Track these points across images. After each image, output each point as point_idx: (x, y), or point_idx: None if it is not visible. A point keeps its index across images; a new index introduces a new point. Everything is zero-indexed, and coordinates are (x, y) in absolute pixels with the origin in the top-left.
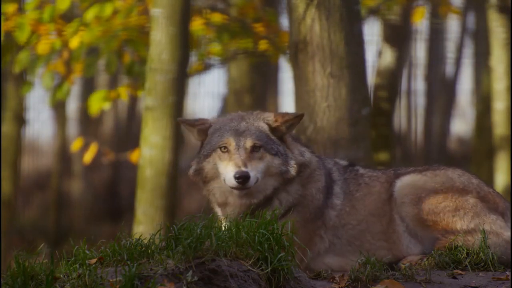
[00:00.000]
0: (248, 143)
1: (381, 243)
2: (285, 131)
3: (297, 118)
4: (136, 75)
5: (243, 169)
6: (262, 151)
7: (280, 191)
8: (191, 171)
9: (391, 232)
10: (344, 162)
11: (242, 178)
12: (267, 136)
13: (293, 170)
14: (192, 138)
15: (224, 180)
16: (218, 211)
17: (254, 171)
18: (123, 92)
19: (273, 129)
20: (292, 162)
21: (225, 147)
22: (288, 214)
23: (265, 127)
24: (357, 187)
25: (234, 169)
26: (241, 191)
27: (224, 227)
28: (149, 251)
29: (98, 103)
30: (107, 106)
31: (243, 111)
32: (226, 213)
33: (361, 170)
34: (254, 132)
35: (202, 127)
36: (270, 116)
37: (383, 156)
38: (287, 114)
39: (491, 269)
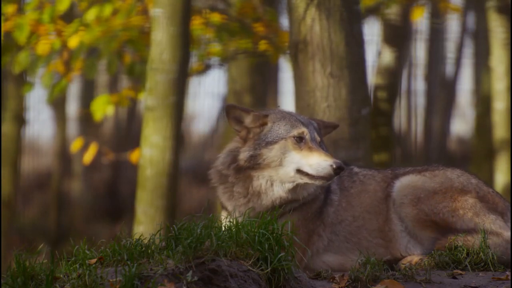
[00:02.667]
0: (318, 137)
1: (378, 241)
2: (323, 134)
3: (335, 126)
4: (137, 75)
5: (337, 160)
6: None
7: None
8: (244, 156)
9: (387, 231)
10: None
11: (341, 169)
12: (320, 134)
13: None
14: (231, 129)
15: (298, 170)
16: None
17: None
18: (125, 99)
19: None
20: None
21: (300, 138)
22: (286, 215)
23: (317, 127)
24: (351, 183)
25: (330, 160)
26: (327, 181)
27: (225, 226)
28: (149, 251)
29: (101, 108)
30: (110, 110)
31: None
32: (255, 205)
33: (356, 169)
34: (316, 128)
35: (258, 114)
36: (314, 120)
37: (383, 156)
38: (327, 122)
39: (491, 269)
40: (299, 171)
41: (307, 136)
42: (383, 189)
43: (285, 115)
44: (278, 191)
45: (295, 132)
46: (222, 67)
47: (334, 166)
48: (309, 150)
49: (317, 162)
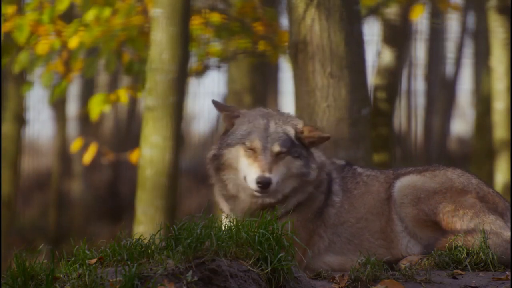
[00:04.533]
0: (275, 148)
1: (380, 242)
2: (306, 144)
3: (321, 138)
4: (136, 74)
5: (267, 174)
6: (285, 155)
7: (298, 191)
8: (209, 155)
9: (389, 232)
10: (341, 162)
11: (263, 184)
12: (291, 141)
13: (314, 173)
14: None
15: (245, 178)
16: (224, 205)
17: (277, 176)
18: (123, 95)
19: (297, 137)
20: (314, 166)
21: (251, 148)
22: (286, 215)
23: (292, 132)
24: (355, 185)
25: (258, 173)
26: (261, 194)
27: (224, 226)
28: (149, 251)
29: (98, 107)
30: (107, 109)
31: (269, 108)
32: (234, 208)
33: (359, 169)
34: (282, 136)
35: (229, 114)
36: (299, 124)
37: (383, 156)
38: (315, 130)
39: (491, 269)
40: (245, 179)
41: (258, 147)
42: (386, 190)
43: (250, 119)
44: (246, 197)
45: (247, 142)
46: (222, 67)
47: (258, 180)
48: (254, 160)
49: (249, 173)
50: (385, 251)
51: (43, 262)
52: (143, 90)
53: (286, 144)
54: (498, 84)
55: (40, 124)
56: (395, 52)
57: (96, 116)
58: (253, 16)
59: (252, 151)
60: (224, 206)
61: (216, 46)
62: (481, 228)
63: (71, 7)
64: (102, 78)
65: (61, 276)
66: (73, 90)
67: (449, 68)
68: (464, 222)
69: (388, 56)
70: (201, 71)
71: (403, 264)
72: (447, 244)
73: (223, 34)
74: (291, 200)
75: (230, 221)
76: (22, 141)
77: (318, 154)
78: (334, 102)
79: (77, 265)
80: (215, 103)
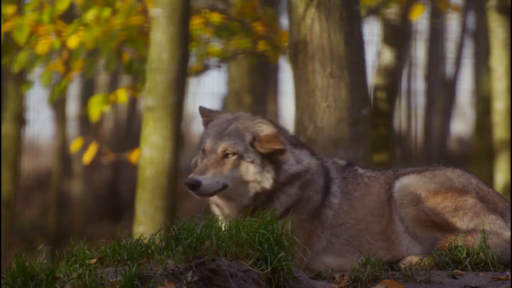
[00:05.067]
0: (221, 147)
1: (380, 243)
2: (263, 153)
3: (275, 151)
4: (135, 73)
5: (196, 176)
6: (236, 158)
7: (280, 194)
8: (192, 161)
9: (390, 233)
10: (343, 162)
11: (189, 185)
12: (245, 146)
13: (267, 184)
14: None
15: None
16: (216, 209)
17: (215, 178)
18: (122, 95)
19: (251, 144)
20: (268, 175)
21: (203, 150)
22: (286, 215)
23: (249, 138)
24: (355, 186)
25: (191, 174)
26: (197, 195)
27: (224, 227)
28: (149, 251)
29: (98, 107)
30: (106, 109)
31: (248, 114)
32: (220, 212)
33: (360, 170)
34: (235, 138)
35: (206, 119)
36: (263, 132)
37: (383, 156)
38: (273, 141)
39: (491, 269)
40: None
41: (207, 149)
42: (386, 191)
43: (214, 124)
44: (222, 202)
45: (201, 145)
46: (221, 67)
47: (185, 181)
48: (200, 163)
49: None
50: (385, 253)
51: (43, 262)
52: (143, 90)
53: (237, 146)
54: (498, 84)
55: (40, 124)
56: (395, 52)
57: (96, 117)
58: (253, 16)
59: (203, 154)
60: (215, 210)
61: (216, 46)
62: (481, 228)
63: (71, 7)
64: (102, 78)
65: (61, 276)
66: (73, 90)
67: (449, 68)
68: (464, 222)
69: (388, 56)
70: (201, 71)
71: (403, 264)
72: (447, 244)
73: (223, 34)
74: (275, 203)
75: (230, 221)
76: (22, 141)
77: (301, 155)
78: (334, 102)
79: (77, 265)
80: (200, 109)
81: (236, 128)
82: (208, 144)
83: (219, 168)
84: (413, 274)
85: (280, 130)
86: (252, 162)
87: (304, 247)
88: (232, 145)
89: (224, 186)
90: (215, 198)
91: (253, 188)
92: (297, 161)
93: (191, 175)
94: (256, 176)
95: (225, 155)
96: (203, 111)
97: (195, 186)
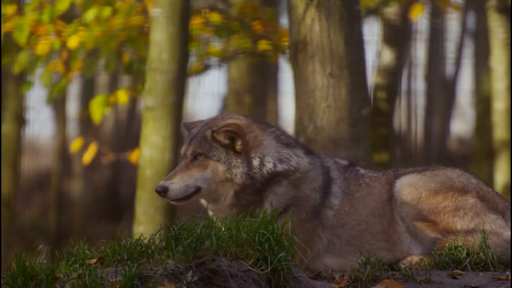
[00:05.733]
0: (190, 151)
1: (381, 244)
2: (227, 144)
3: (232, 136)
4: (135, 73)
5: (164, 182)
6: (204, 158)
7: (267, 193)
8: None
9: (392, 233)
10: (344, 162)
11: (157, 192)
12: (210, 143)
13: (237, 179)
14: None
15: None
16: (210, 213)
17: (187, 181)
18: (123, 96)
19: (213, 138)
20: (236, 171)
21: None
22: (284, 215)
23: (208, 134)
24: (357, 187)
25: (161, 181)
26: (170, 201)
27: (224, 227)
28: (149, 251)
29: (99, 109)
30: (107, 110)
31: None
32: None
33: (362, 171)
34: (201, 138)
35: (188, 133)
36: (218, 125)
37: (383, 156)
38: (225, 127)
39: (491, 269)
40: None
41: (182, 153)
42: (387, 191)
43: (193, 130)
44: (208, 204)
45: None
46: (221, 67)
47: (155, 188)
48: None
49: None
50: (386, 253)
51: (43, 262)
52: (143, 90)
53: (202, 146)
54: (498, 84)
55: (40, 124)
56: (395, 52)
57: (98, 119)
58: (253, 16)
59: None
60: (210, 213)
61: (216, 45)
62: (481, 228)
63: (71, 7)
64: (102, 78)
65: (61, 276)
66: (73, 90)
67: (449, 68)
68: (465, 222)
69: (388, 56)
70: (201, 71)
71: (403, 264)
72: (447, 244)
73: (223, 33)
74: (265, 203)
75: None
76: (22, 141)
77: (291, 154)
78: (334, 102)
79: (77, 265)
80: (184, 124)
81: (203, 129)
82: (182, 151)
83: (189, 172)
84: (413, 274)
85: (262, 125)
86: (218, 160)
87: (304, 247)
88: (198, 146)
89: (198, 189)
90: (204, 202)
91: (230, 186)
92: (280, 159)
93: (160, 182)
94: (226, 174)
95: (194, 158)
96: (186, 125)
97: (162, 192)
